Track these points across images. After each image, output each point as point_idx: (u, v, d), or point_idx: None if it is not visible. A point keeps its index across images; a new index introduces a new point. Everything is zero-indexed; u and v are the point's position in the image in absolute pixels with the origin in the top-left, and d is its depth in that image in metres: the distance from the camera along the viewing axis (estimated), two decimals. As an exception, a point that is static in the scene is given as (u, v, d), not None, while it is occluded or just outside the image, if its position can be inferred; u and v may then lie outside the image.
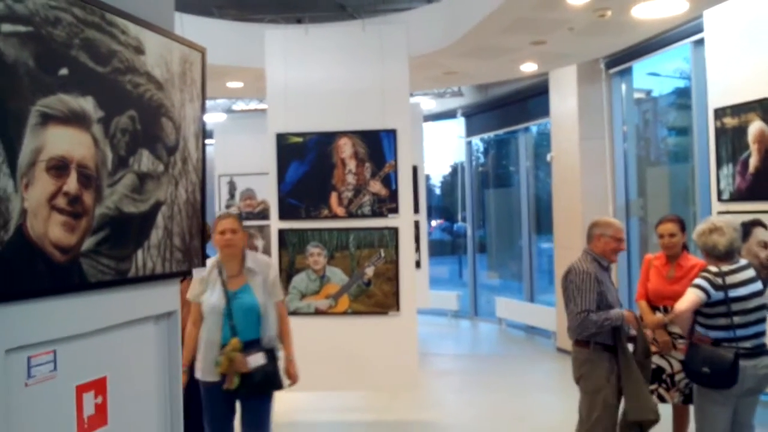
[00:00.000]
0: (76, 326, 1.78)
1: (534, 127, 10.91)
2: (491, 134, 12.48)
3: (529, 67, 7.82)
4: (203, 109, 2.36)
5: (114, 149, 1.90)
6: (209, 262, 4.01)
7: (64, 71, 1.71)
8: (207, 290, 4.05)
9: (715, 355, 3.80)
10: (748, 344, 3.82)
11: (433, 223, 17.65)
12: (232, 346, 3.91)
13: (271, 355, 4.02)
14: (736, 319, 3.82)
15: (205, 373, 4.02)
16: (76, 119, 1.75)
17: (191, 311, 4.10)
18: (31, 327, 1.63)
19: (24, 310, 1.60)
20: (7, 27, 1.55)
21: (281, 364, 4.14)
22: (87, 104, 1.79)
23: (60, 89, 1.70)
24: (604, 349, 3.94)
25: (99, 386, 1.88)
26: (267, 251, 9.15)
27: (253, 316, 4.01)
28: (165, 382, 2.20)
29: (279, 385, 4.09)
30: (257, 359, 3.93)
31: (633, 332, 4.12)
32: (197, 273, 2.32)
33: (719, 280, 3.85)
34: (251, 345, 3.97)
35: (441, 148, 14.69)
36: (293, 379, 4.21)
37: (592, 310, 3.90)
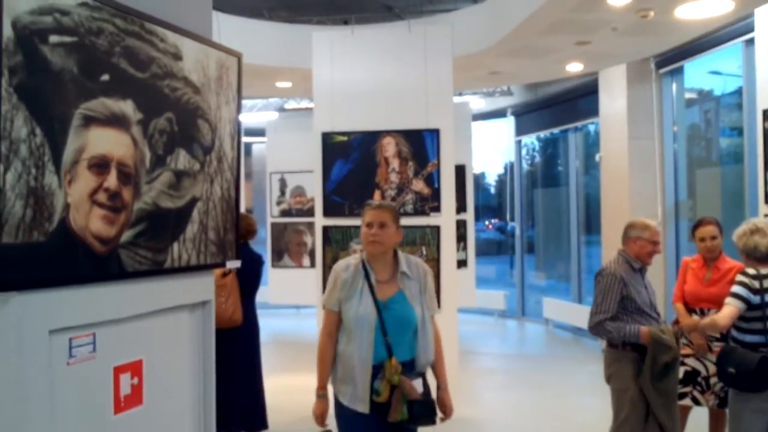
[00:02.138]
0: (115, 311, 1.94)
1: (592, 126, 10.81)
2: (541, 133, 12.42)
3: (574, 67, 7.79)
4: (239, 111, 2.49)
5: (152, 149, 2.05)
6: (350, 261, 3.38)
7: (105, 77, 1.87)
8: (353, 297, 3.26)
9: (744, 357, 3.77)
10: None
11: (489, 222, 17.63)
12: (394, 368, 3.15)
13: (425, 380, 3.28)
14: None
15: (357, 399, 3.20)
16: (116, 121, 1.90)
17: (326, 321, 3.34)
18: (72, 311, 1.78)
19: (66, 295, 1.76)
20: (54, 38, 1.71)
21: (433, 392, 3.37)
22: (127, 107, 1.94)
23: (102, 93, 1.85)
24: (633, 350, 3.94)
25: (135, 368, 2.03)
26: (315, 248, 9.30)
27: (409, 332, 3.26)
28: (199, 366, 2.35)
29: (434, 419, 3.28)
30: (417, 385, 3.20)
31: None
32: (231, 265, 2.46)
33: (756, 284, 3.80)
34: (405, 368, 3.22)
35: (494, 147, 14.65)
36: (448, 412, 3.40)
37: (608, 317, 3.91)
